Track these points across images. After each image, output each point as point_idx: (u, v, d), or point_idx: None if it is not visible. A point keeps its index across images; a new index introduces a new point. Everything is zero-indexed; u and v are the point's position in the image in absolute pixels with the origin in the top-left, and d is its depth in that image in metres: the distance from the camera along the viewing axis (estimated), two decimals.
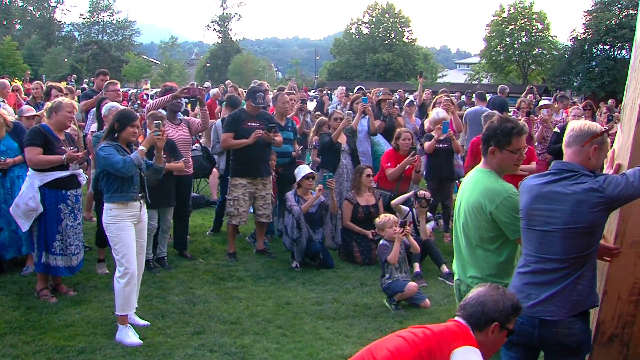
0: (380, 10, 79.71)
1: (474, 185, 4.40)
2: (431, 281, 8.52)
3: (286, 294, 7.84)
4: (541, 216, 3.87)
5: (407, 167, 9.88)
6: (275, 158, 9.66)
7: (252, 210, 9.48)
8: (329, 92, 28.66)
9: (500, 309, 3.53)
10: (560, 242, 3.80)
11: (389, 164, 10.02)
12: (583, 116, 11.54)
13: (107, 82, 9.73)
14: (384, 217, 8.11)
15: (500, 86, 17.85)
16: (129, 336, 6.17)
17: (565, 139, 4.03)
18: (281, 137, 9.31)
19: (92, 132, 9.49)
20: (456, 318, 3.62)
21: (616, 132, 4.73)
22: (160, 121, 6.63)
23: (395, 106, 12.34)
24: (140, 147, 6.34)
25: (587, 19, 58.33)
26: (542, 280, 3.87)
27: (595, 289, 3.96)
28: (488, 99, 14.63)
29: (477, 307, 3.55)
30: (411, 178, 10.16)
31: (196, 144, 10.25)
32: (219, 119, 10.63)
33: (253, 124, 9.00)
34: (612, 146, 4.53)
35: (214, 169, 10.86)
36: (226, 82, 20.41)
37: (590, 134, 3.91)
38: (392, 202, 9.29)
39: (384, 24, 79.51)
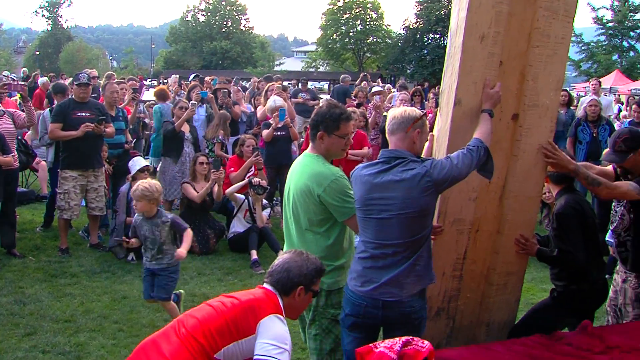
0: None
1: (302, 169, 4.47)
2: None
3: (122, 288, 7.69)
4: (378, 205, 3.96)
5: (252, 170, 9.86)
6: (107, 149, 9.38)
7: (84, 204, 9.19)
8: (165, 80, 28.15)
9: (305, 273, 3.82)
10: (397, 227, 3.92)
11: (232, 169, 9.99)
12: (412, 102, 12.05)
13: None
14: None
15: (342, 75, 18.48)
16: None
17: (388, 127, 4.15)
18: (113, 128, 9.12)
19: None
20: (264, 285, 3.87)
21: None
22: None
23: (231, 96, 12.43)
24: None
25: (419, 9, 60.59)
26: (382, 265, 3.98)
27: (431, 267, 4.13)
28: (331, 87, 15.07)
29: (283, 273, 3.84)
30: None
31: None
32: (47, 109, 10.21)
33: (82, 114, 8.71)
34: (432, 130, 4.74)
35: (43, 162, 10.46)
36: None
37: (412, 119, 4.04)
38: (227, 190, 9.27)
39: (221, 12, 78.87)
